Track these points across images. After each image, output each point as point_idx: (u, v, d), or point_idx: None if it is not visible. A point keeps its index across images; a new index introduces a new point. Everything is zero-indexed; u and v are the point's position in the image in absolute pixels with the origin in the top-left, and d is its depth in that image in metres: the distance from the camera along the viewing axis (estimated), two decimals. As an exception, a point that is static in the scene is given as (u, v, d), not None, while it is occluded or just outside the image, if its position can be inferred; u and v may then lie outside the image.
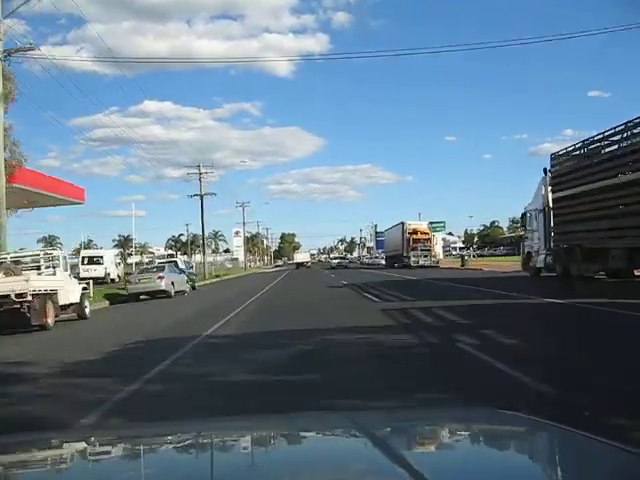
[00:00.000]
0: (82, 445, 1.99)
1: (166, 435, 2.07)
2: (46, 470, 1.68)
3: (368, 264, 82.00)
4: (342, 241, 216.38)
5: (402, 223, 55.81)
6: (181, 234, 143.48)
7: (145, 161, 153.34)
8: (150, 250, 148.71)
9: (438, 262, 52.36)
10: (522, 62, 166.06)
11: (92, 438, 2.14)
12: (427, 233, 54.85)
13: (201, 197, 50.59)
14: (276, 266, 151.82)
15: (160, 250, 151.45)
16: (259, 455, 1.76)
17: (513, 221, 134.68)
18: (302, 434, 1.98)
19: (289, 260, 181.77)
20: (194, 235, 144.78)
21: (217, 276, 58.18)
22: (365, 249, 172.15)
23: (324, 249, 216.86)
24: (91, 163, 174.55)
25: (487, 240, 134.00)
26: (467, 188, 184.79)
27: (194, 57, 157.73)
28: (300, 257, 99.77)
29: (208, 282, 48.35)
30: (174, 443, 1.94)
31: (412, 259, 51.45)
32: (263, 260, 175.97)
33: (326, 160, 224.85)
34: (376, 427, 1.88)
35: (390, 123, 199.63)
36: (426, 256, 51.63)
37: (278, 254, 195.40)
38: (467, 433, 1.97)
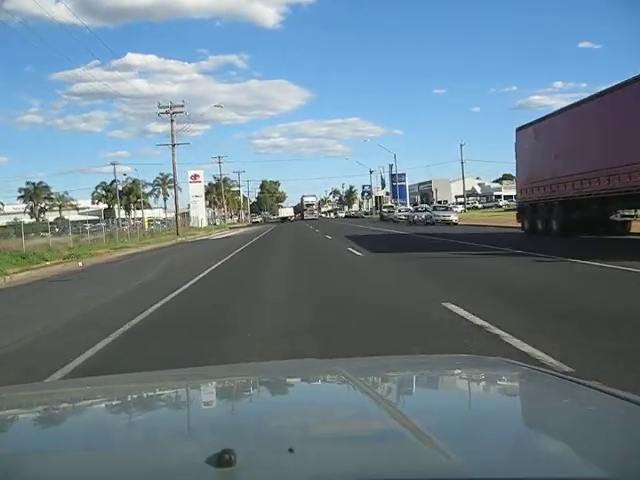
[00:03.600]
0: (69, 395, 1.91)
1: (149, 384, 2.03)
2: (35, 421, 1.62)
3: (422, 221, 40.21)
4: (335, 192, 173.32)
5: None
6: (114, 180, 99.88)
7: (129, 116, 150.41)
8: (72, 204, 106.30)
9: None
10: (511, 11, 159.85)
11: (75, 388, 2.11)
12: None
13: None
14: (253, 223, 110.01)
15: (87, 203, 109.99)
16: (244, 402, 1.76)
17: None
18: (289, 381, 1.98)
19: (273, 215, 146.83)
20: (133, 181, 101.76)
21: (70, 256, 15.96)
22: (370, 199, 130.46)
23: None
24: (75, 119, 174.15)
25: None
26: (456, 141, 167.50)
27: (178, 7, 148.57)
28: (285, 212, 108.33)
29: None
30: (159, 391, 1.90)
31: None
32: (239, 215, 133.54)
33: (314, 113, 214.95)
34: (362, 374, 1.86)
35: (378, 75, 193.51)
36: None
37: (257, 207, 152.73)
38: (452, 378, 2.00)
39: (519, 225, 29.93)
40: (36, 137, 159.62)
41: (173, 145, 46.01)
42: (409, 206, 73.86)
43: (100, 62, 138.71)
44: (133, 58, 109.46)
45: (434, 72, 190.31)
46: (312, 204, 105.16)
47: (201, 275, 13.13)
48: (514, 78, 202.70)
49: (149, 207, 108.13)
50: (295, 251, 19.92)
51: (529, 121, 23.47)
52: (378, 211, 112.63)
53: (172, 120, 45.99)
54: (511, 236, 22.10)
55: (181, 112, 46.06)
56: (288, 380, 1.99)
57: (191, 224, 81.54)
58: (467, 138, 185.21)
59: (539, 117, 22.35)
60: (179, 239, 42.42)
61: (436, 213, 39.85)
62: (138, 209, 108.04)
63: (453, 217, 38.89)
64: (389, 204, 75.05)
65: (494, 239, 20.01)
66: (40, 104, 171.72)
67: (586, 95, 21.55)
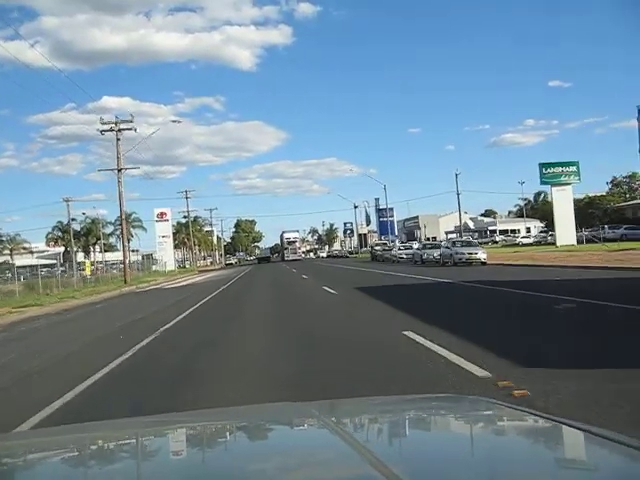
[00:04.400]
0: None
1: (120, 432, 1.95)
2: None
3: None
4: (314, 232, 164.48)
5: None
6: (72, 219, 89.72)
7: (105, 159, 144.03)
8: (25, 246, 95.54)
9: None
10: (482, 47, 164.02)
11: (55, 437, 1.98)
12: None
13: None
14: (227, 265, 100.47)
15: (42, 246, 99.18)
16: (219, 448, 1.70)
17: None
18: (264, 425, 1.92)
19: (249, 256, 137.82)
20: (92, 221, 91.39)
21: None
22: (353, 238, 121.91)
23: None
24: (50, 162, 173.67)
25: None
26: (432, 178, 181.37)
27: (153, 50, 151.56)
28: (262, 253, 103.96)
29: None
30: (132, 439, 1.83)
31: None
32: (213, 257, 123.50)
33: (290, 154, 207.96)
34: (339, 417, 1.84)
35: (354, 115, 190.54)
36: None
37: (231, 248, 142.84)
38: (430, 419, 1.94)
39: (590, 264, 20.96)
40: (11, 181, 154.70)
41: (119, 170, 36.47)
42: (398, 242, 64.95)
43: (76, 105, 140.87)
44: (109, 101, 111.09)
45: (409, 110, 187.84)
46: (295, 241, 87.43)
47: None
48: (487, 116, 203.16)
49: (112, 249, 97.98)
50: (280, 327, 10.40)
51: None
52: (366, 249, 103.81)
53: (118, 139, 36.55)
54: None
55: (129, 129, 36.67)
56: (264, 425, 1.93)
57: (157, 267, 71.70)
58: (443, 175, 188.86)
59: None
60: (125, 289, 32.65)
61: (458, 250, 30.37)
62: (106, 251, 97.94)
63: (481, 255, 29.62)
64: (382, 241, 65.71)
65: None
66: (15, 147, 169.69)
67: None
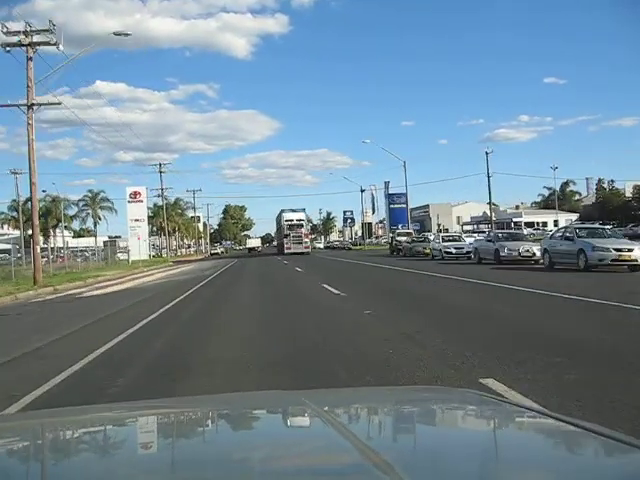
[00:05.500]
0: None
1: (107, 415, 1.94)
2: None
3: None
4: (308, 221, 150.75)
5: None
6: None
7: (97, 144, 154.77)
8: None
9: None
10: (477, 48, 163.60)
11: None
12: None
13: None
14: (212, 255, 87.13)
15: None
16: (206, 435, 1.67)
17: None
18: (253, 413, 1.90)
19: (239, 245, 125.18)
20: (53, 200, 77.39)
21: None
22: (353, 228, 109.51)
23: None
24: (42, 146, 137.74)
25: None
26: (424, 171, 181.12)
27: (148, 36, 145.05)
28: (253, 242, 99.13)
29: None
30: (119, 425, 1.79)
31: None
32: (198, 245, 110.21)
33: (283, 144, 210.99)
34: (328, 406, 1.79)
35: (348, 107, 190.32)
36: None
37: (218, 235, 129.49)
38: (419, 410, 1.92)
39: None
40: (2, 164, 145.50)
41: (30, 106, 23.21)
42: (412, 232, 52.15)
43: (69, 89, 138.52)
44: (102, 86, 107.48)
45: (403, 103, 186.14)
46: (300, 225, 58.54)
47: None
48: (481, 111, 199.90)
49: (87, 233, 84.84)
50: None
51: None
52: (370, 241, 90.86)
53: (29, 58, 23.30)
54: None
55: (47, 42, 23.36)
56: (252, 412, 1.92)
57: (126, 256, 58.70)
58: (435, 169, 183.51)
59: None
60: (23, 295, 19.61)
61: (596, 244, 17.26)
62: (80, 236, 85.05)
63: (637, 253, 16.76)
64: (404, 230, 52.52)
65: None
66: (6, 131, 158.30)
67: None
